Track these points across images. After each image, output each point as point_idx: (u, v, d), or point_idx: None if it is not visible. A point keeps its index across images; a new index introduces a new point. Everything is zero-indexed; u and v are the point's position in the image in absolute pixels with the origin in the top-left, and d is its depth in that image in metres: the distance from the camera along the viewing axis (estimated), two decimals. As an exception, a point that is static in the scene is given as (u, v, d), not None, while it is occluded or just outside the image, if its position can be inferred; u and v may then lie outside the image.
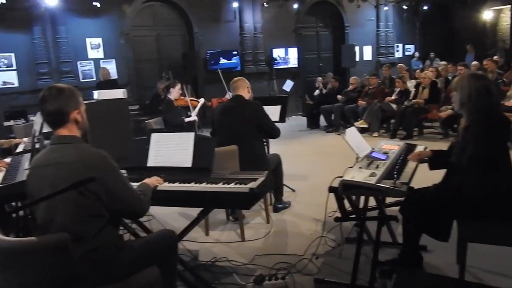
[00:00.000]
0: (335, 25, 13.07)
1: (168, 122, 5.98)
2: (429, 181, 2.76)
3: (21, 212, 3.73)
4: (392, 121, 8.18)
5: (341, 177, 2.50)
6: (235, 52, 11.12)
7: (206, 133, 5.81)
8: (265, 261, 3.14)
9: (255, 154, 3.85)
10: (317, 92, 10.48)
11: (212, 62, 10.70)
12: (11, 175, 3.27)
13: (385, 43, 13.53)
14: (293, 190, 4.89)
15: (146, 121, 6.37)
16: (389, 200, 3.00)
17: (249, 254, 3.31)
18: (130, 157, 2.81)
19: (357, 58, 12.19)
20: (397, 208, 2.78)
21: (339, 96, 9.19)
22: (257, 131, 3.97)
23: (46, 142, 3.53)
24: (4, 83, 8.77)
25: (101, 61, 9.57)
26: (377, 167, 2.64)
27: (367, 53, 13.46)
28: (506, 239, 2.45)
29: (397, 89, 8.31)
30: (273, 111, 4.65)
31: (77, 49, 9.32)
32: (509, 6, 12.91)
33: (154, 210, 4.18)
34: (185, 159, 2.66)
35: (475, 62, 8.83)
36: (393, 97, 8.27)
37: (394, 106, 8.07)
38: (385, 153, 2.99)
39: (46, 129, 5.04)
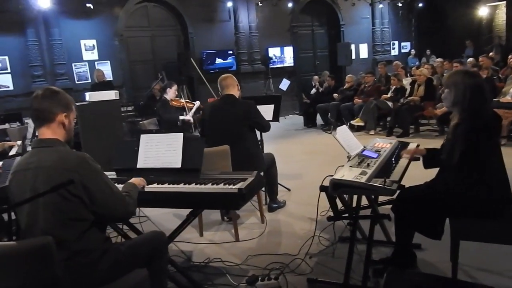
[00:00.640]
0: (331, 23, 13.05)
1: (163, 121, 5.97)
2: (421, 179, 2.74)
3: (13, 216, 3.71)
4: (388, 119, 8.16)
5: (332, 176, 2.48)
6: (231, 52, 11.09)
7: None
8: (258, 261, 3.13)
9: (250, 153, 3.82)
10: (313, 90, 10.46)
11: (209, 62, 10.69)
12: (2, 179, 3.25)
13: (380, 40, 13.51)
14: (289, 189, 4.87)
15: (141, 122, 6.36)
16: (382, 198, 2.98)
17: (243, 254, 3.29)
18: (119, 158, 2.79)
19: (353, 56, 12.13)
20: (390, 206, 2.76)
21: (335, 95, 9.17)
22: (250, 130, 3.93)
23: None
24: (-1, 86, 8.74)
25: (95, 63, 9.53)
26: (368, 165, 2.63)
27: (363, 51, 13.44)
28: (498, 237, 2.43)
29: (393, 87, 8.29)
30: (266, 110, 4.62)
31: (72, 51, 9.28)
32: (505, 2, 12.91)
33: (148, 211, 4.17)
34: (174, 159, 2.64)
35: (470, 59, 8.82)
36: (389, 95, 8.25)
37: (390, 103, 8.05)
38: (377, 151, 2.97)
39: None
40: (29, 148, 3.53)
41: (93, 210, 1.94)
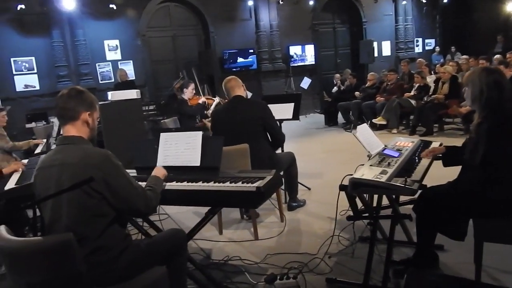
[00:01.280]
0: (353, 20, 12.90)
1: (183, 119, 6.02)
2: (444, 179, 2.68)
3: (38, 212, 3.81)
4: (411, 117, 8.02)
5: (352, 175, 2.45)
6: (251, 50, 11.10)
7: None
8: (277, 260, 3.12)
9: (263, 154, 3.74)
10: (335, 89, 10.38)
11: (231, 61, 10.74)
12: (27, 176, 3.34)
13: (404, 38, 13.28)
14: (309, 188, 4.84)
15: (162, 121, 6.43)
16: (403, 198, 2.93)
17: (262, 253, 3.29)
18: (139, 157, 2.82)
19: (376, 54, 12.02)
20: (412, 206, 2.71)
21: (356, 93, 9.07)
22: (264, 131, 3.84)
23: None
24: (26, 86, 8.98)
25: (118, 63, 9.70)
26: (389, 164, 2.59)
27: (386, 48, 13.24)
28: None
29: (416, 85, 8.14)
30: (286, 109, 4.61)
31: (95, 51, 9.46)
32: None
33: (168, 209, 4.21)
34: (193, 158, 2.65)
35: (497, 56, 8.58)
36: (412, 93, 8.10)
37: (413, 102, 7.91)
38: (398, 150, 2.92)
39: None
40: (53, 146, 3.63)
41: (115, 206, 1.97)
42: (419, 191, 2.46)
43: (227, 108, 3.96)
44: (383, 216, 2.76)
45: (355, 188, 2.37)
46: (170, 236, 2.27)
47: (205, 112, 6.57)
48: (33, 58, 8.97)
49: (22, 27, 8.78)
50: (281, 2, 11.28)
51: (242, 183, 2.34)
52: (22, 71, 8.94)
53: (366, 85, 9.18)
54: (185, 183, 2.47)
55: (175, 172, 2.63)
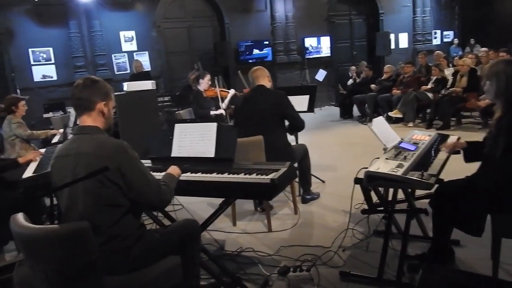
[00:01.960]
0: (369, 12, 12.72)
1: (197, 110, 6.03)
2: (461, 173, 2.63)
3: (54, 201, 3.88)
4: (428, 110, 7.90)
5: (367, 168, 2.43)
6: (267, 42, 11.04)
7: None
8: (290, 253, 3.12)
9: (279, 145, 3.78)
10: (350, 81, 10.27)
11: (247, 53, 10.71)
12: (44, 165, 3.39)
13: (422, 29, 13.03)
14: (323, 181, 4.82)
15: (177, 112, 6.45)
16: (419, 192, 2.90)
17: (275, 245, 3.29)
18: (154, 147, 2.84)
19: (392, 46, 11.83)
20: (428, 201, 2.68)
21: (372, 85, 8.97)
22: (281, 121, 3.89)
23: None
24: (44, 76, 9.10)
25: (134, 54, 9.75)
26: (405, 158, 2.55)
27: (403, 40, 13.03)
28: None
29: (434, 77, 8.00)
30: (301, 101, 4.58)
31: (111, 42, 9.52)
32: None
33: (183, 199, 4.23)
34: (208, 149, 2.65)
35: (518, 48, 8.38)
36: (429, 86, 7.97)
37: (430, 95, 7.78)
38: (415, 143, 2.88)
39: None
40: (70, 136, 3.67)
41: (129, 198, 1.98)
42: (436, 186, 2.42)
43: (248, 97, 4.06)
44: (399, 210, 2.73)
45: (370, 182, 2.35)
46: (184, 226, 2.27)
47: (220, 104, 6.58)
48: (50, 48, 9.07)
49: (40, 18, 8.88)
50: (297, -7, 11.19)
51: (257, 174, 2.33)
52: (40, 61, 9.05)
53: (382, 78, 9.06)
54: (199, 174, 2.48)
55: (189, 163, 2.64)
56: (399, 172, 2.30)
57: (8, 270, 2.44)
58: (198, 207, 4.25)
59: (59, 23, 9.02)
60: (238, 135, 2.70)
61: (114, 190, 1.93)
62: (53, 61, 9.13)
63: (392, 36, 11.85)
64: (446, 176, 2.55)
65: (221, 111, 6.26)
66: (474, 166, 2.61)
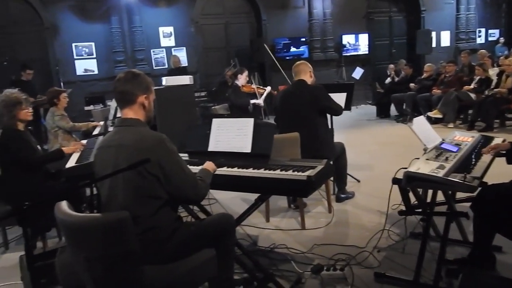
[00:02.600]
0: (410, 9, 12.38)
1: (234, 106, 6.07)
2: (506, 177, 2.52)
3: (95, 190, 4.01)
4: (470, 111, 7.62)
5: (406, 168, 2.37)
6: (303, 39, 10.97)
7: (271, 120, 5.80)
8: (324, 251, 3.09)
9: (319, 139, 3.77)
10: (388, 80, 10.05)
11: (284, 50, 10.68)
12: (86, 156, 3.51)
13: (465, 27, 12.57)
14: (358, 181, 4.75)
15: (213, 107, 6.52)
16: (460, 195, 2.80)
17: (308, 243, 3.27)
18: (192, 141, 2.87)
19: (433, 44, 11.49)
20: (469, 204, 2.59)
21: (411, 84, 8.74)
22: (322, 115, 3.88)
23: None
24: (85, 70, 9.42)
25: (172, 49, 9.92)
26: (447, 159, 2.47)
27: (445, 38, 12.61)
28: None
29: (477, 77, 7.71)
30: (338, 99, 4.51)
31: (151, 38, 9.72)
32: None
33: (217, 194, 4.28)
34: (244, 144, 2.66)
35: None
36: (472, 86, 7.69)
37: (472, 95, 7.51)
38: (457, 144, 2.79)
39: (119, 114, 5.35)
40: (110, 128, 3.78)
41: (167, 190, 2.01)
42: (479, 189, 2.34)
43: (287, 91, 4.08)
44: (438, 212, 2.66)
45: (409, 182, 2.29)
46: (220, 220, 2.29)
47: (256, 100, 6.59)
48: (93, 43, 9.37)
49: (84, 13, 9.18)
50: (335, -10, 11.04)
51: (293, 171, 2.32)
52: (82, 55, 9.37)
53: (422, 77, 8.81)
54: (235, 169, 2.49)
55: (225, 158, 2.66)
56: (441, 173, 2.24)
57: (50, 256, 2.55)
58: (232, 202, 4.28)
59: (102, 19, 9.30)
60: (276, 131, 2.69)
61: (153, 182, 1.97)
62: (94, 55, 9.43)
63: (433, 34, 11.50)
64: (489, 179, 2.46)
65: (260, 101, 6.28)
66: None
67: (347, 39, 11.45)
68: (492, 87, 7.35)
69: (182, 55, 9.87)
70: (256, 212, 3.46)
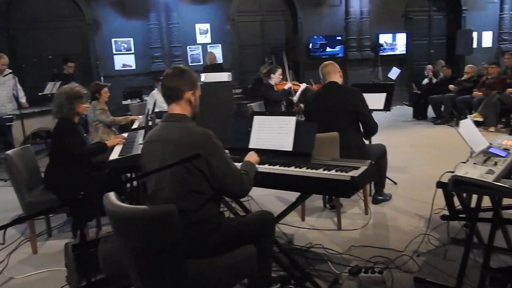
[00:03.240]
0: (451, 8, 12.03)
1: (268, 103, 6.08)
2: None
3: (134, 183, 4.10)
4: (513, 115, 7.36)
5: (452, 172, 2.30)
6: (339, 38, 10.85)
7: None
8: (361, 253, 3.06)
9: (353, 143, 3.63)
10: (425, 80, 9.81)
11: (320, 50, 10.61)
12: (128, 149, 3.59)
13: (509, 28, 12.09)
14: (395, 183, 4.66)
15: (248, 105, 6.54)
16: (506, 201, 2.71)
17: (345, 244, 3.24)
18: (232, 137, 2.89)
19: (474, 45, 11.13)
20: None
21: (451, 86, 8.51)
22: (355, 119, 3.74)
23: (157, 120, 3.84)
24: (123, 65, 9.63)
25: (208, 46, 10.01)
26: (495, 164, 2.38)
27: (487, 39, 12.18)
28: None
29: (521, 80, 7.44)
30: (377, 99, 4.45)
31: (187, 34, 9.85)
32: None
33: (251, 191, 4.28)
34: (285, 142, 2.66)
35: None
36: (515, 89, 7.42)
37: (515, 98, 7.25)
38: (505, 149, 2.68)
39: (157, 108, 5.44)
40: (150, 122, 3.85)
41: (212, 185, 2.04)
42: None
43: (320, 94, 3.89)
44: (484, 219, 2.58)
45: (457, 187, 2.22)
46: (260, 217, 2.30)
47: (290, 98, 6.58)
48: (131, 39, 9.57)
49: (124, 9, 9.39)
50: (373, -12, 10.86)
51: (336, 171, 2.30)
52: (121, 51, 9.59)
53: (463, 78, 8.56)
54: (277, 167, 2.49)
55: (266, 156, 2.66)
56: (490, 178, 2.16)
57: (93, 245, 2.63)
58: (267, 199, 4.29)
59: (140, 15, 9.49)
60: (318, 130, 2.67)
61: (199, 177, 2.00)
62: (133, 51, 9.64)
63: (474, 34, 11.14)
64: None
65: (295, 99, 6.27)
66: None
67: (384, 38, 11.25)
68: (538, 90, 7.07)
69: (217, 52, 9.95)
70: (292, 211, 3.45)
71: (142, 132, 4.06)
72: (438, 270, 2.78)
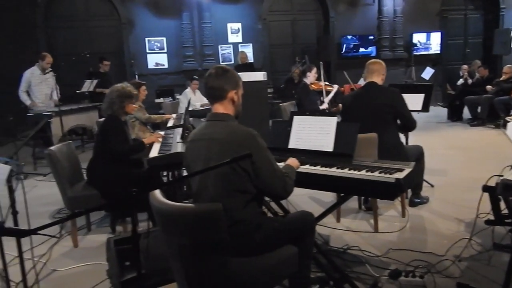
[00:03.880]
0: (488, 7, 11.67)
1: (302, 105, 6.05)
2: None
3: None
4: (555, 117, 7.08)
5: (501, 176, 2.24)
6: (371, 37, 10.70)
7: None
8: (400, 256, 3.01)
9: (391, 144, 3.56)
10: (460, 81, 9.56)
11: (354, 50, 10.53)
12: (166, 147, 3.65)
13: (549, 27, 11.65)
14: (432, 185, 4.56)
15: (281, 104, 6.53)
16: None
17: (383, 246, 3.19)
18: (272, 137, 2.89)
19: (513, 45, 10.76)
20: None
21: (488, 87, 8.26)
22: (393, 120, 3.68)
23: (190, 119, 3.89)
24: (156, 64, 9.79)
25: (239, 45, 10.06)
26: (547, 168, 2.31)
27: (526, 38, 11.76)
28: None
29: None
30: (415, 100, 4.36)
31: (219, 34, 9.92)
32: None
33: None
34: (326, 143, 2.64)
35: None
36: (557, 90, 7.14)
37: (559, 100, 6.97)
38: (556, 153, 2.59)
39: (191, 107, 5.49)
40: (181, 122, 3.89)
41: (256, 185, 2.04)
42: None
43: (358, 94, 3.85)
44: (532, 225, 2.49)
45: (507, 191, 2.16)
46: (301, 217, 2.29)
47: (321, 98, 6.52)
48: (164, 38, 9.72)
49: (157, 9, 9.54)
50: (408, -14, 10.66)
51: (380, 173, 2.27)
52: (154, 50, 9.75)
53: (501, 79, 8.29)
54: (318, 167, 2.48)
55: (306, 156, 2.65)
56: (542, 183, 2.09)
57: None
58: (301, 200, 4.27)
59: (173, 14, 9.61)
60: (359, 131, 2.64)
61: (243, 177, 2.00)
62: (165, 50, 9.78)
63: (513, 34, 10.78)
64: None
65: (325, 105, 6.21)
66: None
67: (418, 37, 11.03)
68: None
69: (248, 51, 9.98)
70: (332, 212, 3.42)
71: (178, 130, 4.11)
72: (481, 276, 2.70)
